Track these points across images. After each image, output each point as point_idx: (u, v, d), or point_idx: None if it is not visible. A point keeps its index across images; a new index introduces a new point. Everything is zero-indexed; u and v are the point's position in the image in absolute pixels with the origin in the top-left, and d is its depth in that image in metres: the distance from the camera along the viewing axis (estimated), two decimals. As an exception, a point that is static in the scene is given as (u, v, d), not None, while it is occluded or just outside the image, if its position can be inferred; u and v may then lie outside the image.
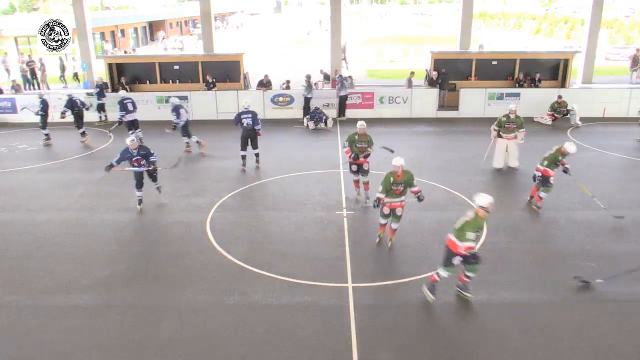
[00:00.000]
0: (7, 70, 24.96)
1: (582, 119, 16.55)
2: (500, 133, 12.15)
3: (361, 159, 9.98)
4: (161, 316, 6.89)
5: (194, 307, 7.08)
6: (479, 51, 25.19)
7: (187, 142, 13.96)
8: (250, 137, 12.23)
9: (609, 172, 12.19)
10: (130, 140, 9.98)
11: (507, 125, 12.02)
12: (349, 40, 30.16)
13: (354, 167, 10.14)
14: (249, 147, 12.32)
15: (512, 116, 11.99)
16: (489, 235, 8.92)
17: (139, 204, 10.33)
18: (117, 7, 62.37)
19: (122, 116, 14.67)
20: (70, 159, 13.82)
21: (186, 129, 13.73)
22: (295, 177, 11.98)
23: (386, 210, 8.31)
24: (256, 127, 12.24)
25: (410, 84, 18.41)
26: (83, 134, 15.16)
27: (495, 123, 12.30)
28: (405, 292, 7.33)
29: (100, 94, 17.01)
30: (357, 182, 10.36)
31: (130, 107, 14.68)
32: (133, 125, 14.77)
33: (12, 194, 11.33)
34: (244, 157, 12.37)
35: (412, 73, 18.75)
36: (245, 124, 12.13)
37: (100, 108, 16.95)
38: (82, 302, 7.23)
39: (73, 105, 14.94)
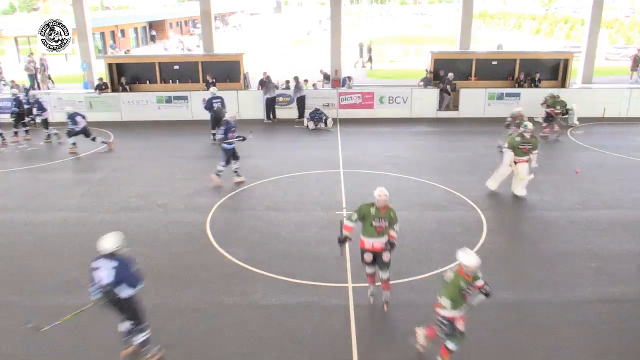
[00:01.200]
0: (35, 69, 24.95)
1: (582, 119, 16.57)
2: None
3: (377, 245, 6.73)
4: (161, 316, 6.88)
5: (194, 307, 7.08)
6: (498, 51, 25.24)
7: (74, 143, 14.22)
8: (218, 118, 14.16)
9: (609, 172, 12.18)
10: (230, 115, 11.92)
11: (522, 146, 10.33)
12: (369, 41, 30.54)
13: (368, 257, 6.83)
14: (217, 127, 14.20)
15: (527, 135, 10.32)
16: (489, 235, 8.93)
17: (217, 173, 11.42)
18: (117, 7, 62.35)
19: (39, 114, 15.29)
20: (70, 159, 13.82)
21: (87, 133, 14.26)
22: (295, 177, 11.98)
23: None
24: (224, 110, 14.40)
25: (427, 83, 18.12)
26: (16, 133, 15.45)
27: (507, 145, 10.54)
28: (405, 292, 7.32)
29: (27, 97, 16.84)
30: (372, 276, 7.02)
31: (45, 106, 15.57)
32: (46, 123, 15.45)
33: (12, 194, 11.34)
34: (214, 135, 14.34)
35: (431, 72, 18.43)
36: (215, 108, 14.48)
37: (28, 112, 16.82)
38: (82, 302, 7.20)
39: (19, 105, 15.37)
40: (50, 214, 10.18)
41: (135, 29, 50.06)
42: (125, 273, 5.66)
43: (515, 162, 10.44)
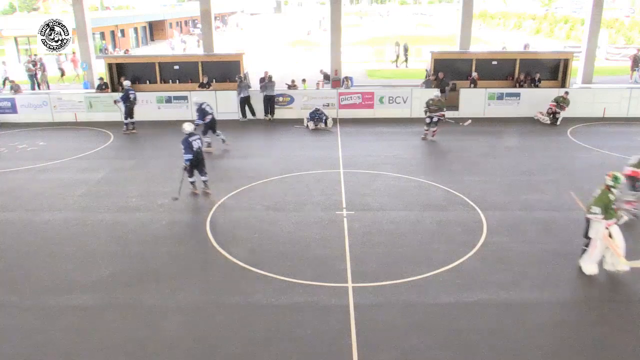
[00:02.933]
0: (61, 70, 24.86)
1: (582, 119, 16.66)
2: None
3: None
4: (161, 316, 6.89)
5: (194, 307, 7.08)
6: (525, 50, 25.35)
7: None
8: (132, 108, 16.18)
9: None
10: (199, 100, 14.01)
11: (615, 205, 7.70)
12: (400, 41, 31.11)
13: None
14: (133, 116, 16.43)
15: (618, 192, 7.77)
16: (489, 235, 8.92)
17: (223, 142, 14.35)
18: (117, 7, 62.34)
19: None
20: (70, 159, 13.81)
21: None
22: (295, 177, 11.98)
23: None
24: (135, 101, 16.31)
25: (428, 85, 17.89)
26: None
27: (596, 207, 7.49)
28: (405, 292, 7.32)
29: None
30: None
31: None
32: None
33: (12, 194, 11.33)
34: (133, 123, 16.26)
35: (434, 76, 18.01)
36: (132, 98, 16.02)
37: None
38: (82, 302, 7.23)
39: None
40: (50, 214, 10.18)
41: (135, 29, 50.03)
42: (202, 140, 11.07)
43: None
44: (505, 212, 9.93)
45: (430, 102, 14.58)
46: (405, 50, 29.45)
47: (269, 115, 17.42)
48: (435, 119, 14.58)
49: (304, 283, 7.55)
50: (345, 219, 9.62)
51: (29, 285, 7.66)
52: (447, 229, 9.25)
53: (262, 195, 10.93)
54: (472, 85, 17.82)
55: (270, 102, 17.32)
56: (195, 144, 10.49)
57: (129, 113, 16.16)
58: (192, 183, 10.96)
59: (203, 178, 10.95)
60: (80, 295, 7.36)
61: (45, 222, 9.81)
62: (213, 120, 13.93)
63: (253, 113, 17.40)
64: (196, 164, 10.68)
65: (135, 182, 11.82)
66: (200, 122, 13.68)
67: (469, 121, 14.88)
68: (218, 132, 14.19)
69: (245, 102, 17.21)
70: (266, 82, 17.21)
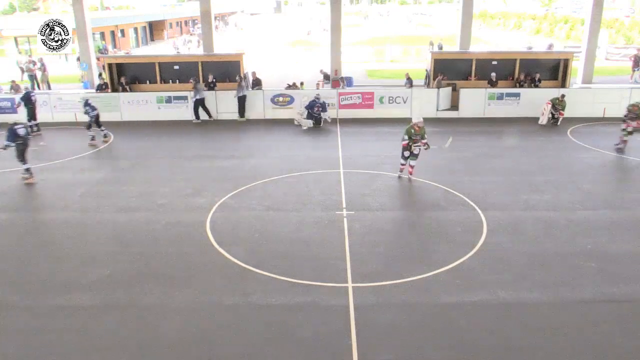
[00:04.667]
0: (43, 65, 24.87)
1: (582, 119, 16.65)
2: None
3: None
4: (161, 316, 6.89)
5: (194, 307, 7.08)
6: (548, 50, 25.50)
7: None
8: (35, 110, 16.43)
9: (609, 172, 12.18)
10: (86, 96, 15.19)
11: None
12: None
13: None
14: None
15: None
16: (489, 235, 8.92)
17: (92, 139, 15.06)
18: (117, 7, 62.36)
19: None
20: (70, 159, 13.81)
21: None
22: (295, 177, 11.98)
23: None
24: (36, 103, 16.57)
25: (439, 84, 17.84)
26: None
27: None
28: (405, 292, 7.32)
29: None
30: None
31: None
32: None
33: (12, 194, 11.33)
34: (37, 125, 16.30)
35: (442, 75, 17.99)
36: (34, 100, 16.36)
37: None
38: (82, 302, 7.23)
39: None
40: (50, 214, 10.17)
41: (135, 29, 50.05)
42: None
43: None
44: (505, 212, 9.92)
45: (412, 131, 11.44)
46: (440, 48, 29.80)
47: (244, 117, 17.44)
48: (416, 151, 11.58)
49: (304, 283, 7.55)
50: (345, 219, 9.61)
51: (29, 285, 7.66)
52: (447, 229, 9.25)
53: (262, 195, 10.93)
54: (491, 86, 17.81)
55: (242, 103, 17.30)
56: (21, 131, 11.67)
57: (32, 115, 16.24)
58: (27, 170, 11.86)
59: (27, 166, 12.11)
60: (80, 295, 7.36)
61: (45, 222, 9.81)
62: (97, 116, 15.07)
63: (209, 114, 17.40)
64: (23, 149, 11.71)
65: (135, 182, 11.82)
66: (93, 113, 14.78)
67: (450, 139, 12.75)
68: (103, 127, 15.19)
69: (199, 104, 17.15)
70: (241, 82, 17.13)
